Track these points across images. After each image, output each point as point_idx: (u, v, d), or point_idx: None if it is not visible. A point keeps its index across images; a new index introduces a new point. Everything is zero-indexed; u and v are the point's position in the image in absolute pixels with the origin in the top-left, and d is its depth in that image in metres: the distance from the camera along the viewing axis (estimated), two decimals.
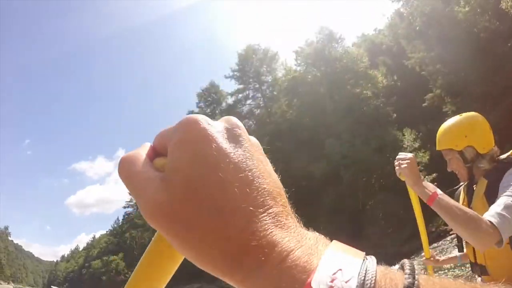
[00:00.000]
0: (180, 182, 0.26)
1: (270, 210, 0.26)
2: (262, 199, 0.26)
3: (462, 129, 1.89)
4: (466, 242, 1.89)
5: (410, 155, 1.65)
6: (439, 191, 1.55)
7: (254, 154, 0.29)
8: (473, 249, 1.92)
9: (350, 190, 25.08)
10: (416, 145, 24.01)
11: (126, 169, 0.29)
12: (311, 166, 27.34)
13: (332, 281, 0.21)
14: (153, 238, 0.33)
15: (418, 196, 1.70)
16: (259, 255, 0.24)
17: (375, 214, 24.48)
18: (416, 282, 0.22)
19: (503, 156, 1.88)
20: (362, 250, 0.25)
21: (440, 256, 2.45)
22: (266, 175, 0.28)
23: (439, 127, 1.99)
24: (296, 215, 0.29)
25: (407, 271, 0.23)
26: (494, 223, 1.47)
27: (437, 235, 18.36)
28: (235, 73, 38.36)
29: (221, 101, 43.87)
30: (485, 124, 1.92)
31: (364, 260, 0.23)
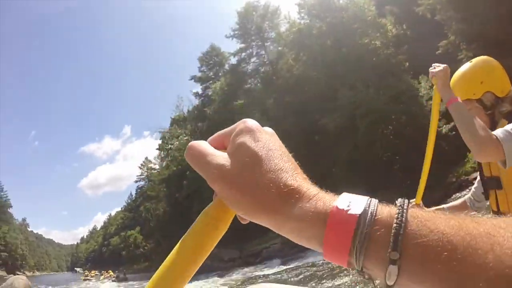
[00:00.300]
0: (240, 156, 0.39)
1: (299, 171, 0.39)
2: (293, 166, 0.39)
3: (477, 75, 1.82)
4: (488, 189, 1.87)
5: (445, 65, 1.70)
6: (459, 98, 1.62)
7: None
8: (496, 197, 1.82)
9: (366, 141, 24.12)
10: (433, 93, 22.59)
11: (197, 148, 0.42)
12: (323, 119, 26.27)
13: (348, 205, 0.33)
14: (210, 205, 0.43)
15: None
16: (296, 194, 0.36)
17: (392, 165, 23.64)
18: (404, 213, 0.31)
19: None
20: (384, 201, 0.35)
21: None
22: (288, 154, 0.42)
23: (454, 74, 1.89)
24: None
25: (398, 204, 0.33)
26: (499, 138, 1.47)
27: (458, 185, 17.48)
28: (236, 32, 36.65)
29: (224, 63, 42.62)
30: (498, 66, 1.83)
31: (369, 198, 0.35)
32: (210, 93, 40.06)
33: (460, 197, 2.40)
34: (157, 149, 41.30)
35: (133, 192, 77.13)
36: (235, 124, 0.44)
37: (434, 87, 1.74)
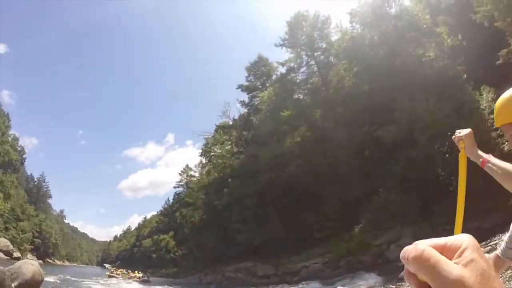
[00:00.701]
0: (476, 269, 0.42)
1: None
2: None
3: None
4: None
5: (467, 130, 1.82)
6: (489, 157, 1.72)
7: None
8: None
9: (423, 157, 22.18)
10: (494, 105, 20.31)
11: (434, 254, 0.44)
12: (378, 131, 24.57)
13: None
14: None
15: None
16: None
17: (450, 184, 21.40)
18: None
19: None
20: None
21: None
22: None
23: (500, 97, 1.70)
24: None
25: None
26: None
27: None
28: (285, 41, 35.66)
29: (271, 73, 41.87)
30: None
31: None
32: (256, 103, 39.38)
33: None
34: (199, 155, 40.91)
35: (171, 198, 77.44)
36: (455, 237, 0.46)
37: (461, 151, 1.74)
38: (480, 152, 1.74)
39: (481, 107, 21.42)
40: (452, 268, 0.42)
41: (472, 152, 1.71)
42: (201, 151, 40.39)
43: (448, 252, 0.44)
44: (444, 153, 22.22)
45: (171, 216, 71.04)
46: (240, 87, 42.08)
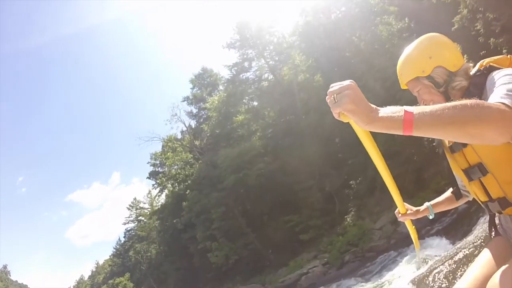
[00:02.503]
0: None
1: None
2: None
3: (424, 50, 1.50)
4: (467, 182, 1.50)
5: (346, 82, 0.99)
6: (408, 108, 0.96)
7: None
8: (483, 187, 1.42)
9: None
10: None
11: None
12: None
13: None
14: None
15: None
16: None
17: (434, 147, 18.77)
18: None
19: (473, 72, 1.47)
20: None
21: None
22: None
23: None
24: None
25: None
26: (509, 104, 1.01)
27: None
28: (234, 43, 32.28)
29: (217, 82, 38.41)
30: (447, 40, 1.55)
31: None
32: (204, 115, 35.47)
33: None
34: (147, 177, 34.85)
35: (122, 238, 68.94)
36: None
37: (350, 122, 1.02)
38: (384, 110, 0.97)
39: None
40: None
41: (370, 120, 0.95)
42: (148, 174, 34.52)
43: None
44: None
45: (125, 256, 62.95)
46: (186, 99, 37.80)
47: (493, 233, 1.59)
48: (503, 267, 1.22)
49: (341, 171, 20.97)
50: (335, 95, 0.98)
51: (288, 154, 22.36)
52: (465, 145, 1.40)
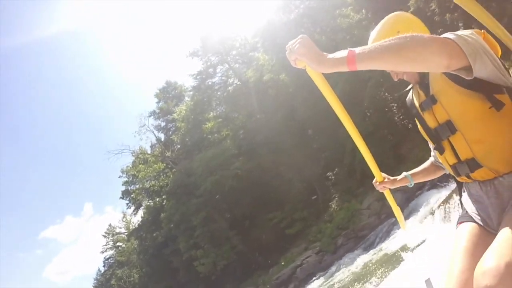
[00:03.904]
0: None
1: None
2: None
3: (391, 25, 1.50)
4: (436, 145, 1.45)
5: (299, 36, 1.12)
6: (352, 48, 1.05)
7: None
8: (452, 148, 1.38)
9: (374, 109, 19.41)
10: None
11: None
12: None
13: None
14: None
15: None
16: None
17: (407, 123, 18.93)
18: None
19: None
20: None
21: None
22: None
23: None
24: None
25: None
26: (454, 39, 1.09)
27: None
28: (196, 52, 31.59)
29: (182, 94, 37.47)
30: (412, 16, 1.57)
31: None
32: (172, 128, 34.34)
33: None
34: (120, 197, 32.87)
35: (101, 268, 65.25)
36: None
37: (306, 68, 1.16)
38: (332, 55, 1.06)
39: None
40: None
41: (319, 61, 1.07)
42: (121, 192, 32.58)
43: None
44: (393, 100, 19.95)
45: (107, 286, 59.68)
46: (153, 114, 36.43)
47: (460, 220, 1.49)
48: (488, 252, 1.08)
49: (318, 160, 20.56)
50: (291, 46, 1.11)
51: (263, 151, 21.78)
52: (434, 102, 1.36)
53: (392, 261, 8.17)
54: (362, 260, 11.32)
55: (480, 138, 1.29)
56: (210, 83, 30.48)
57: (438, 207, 7.73)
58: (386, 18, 1.54)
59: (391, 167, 14.75)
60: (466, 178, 1.41)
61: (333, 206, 17.31)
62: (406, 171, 1.91)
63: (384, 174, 1.87)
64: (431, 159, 1.82)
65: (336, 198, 17.49)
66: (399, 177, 1.89)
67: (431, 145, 1.60)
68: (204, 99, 29.60)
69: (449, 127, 1.34)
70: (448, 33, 1.16)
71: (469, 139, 1.31)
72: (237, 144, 23.98)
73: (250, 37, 29.02)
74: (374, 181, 1.90)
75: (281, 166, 20.61)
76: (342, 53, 1.03)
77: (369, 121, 18.69)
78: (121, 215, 47.03)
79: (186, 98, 36.58)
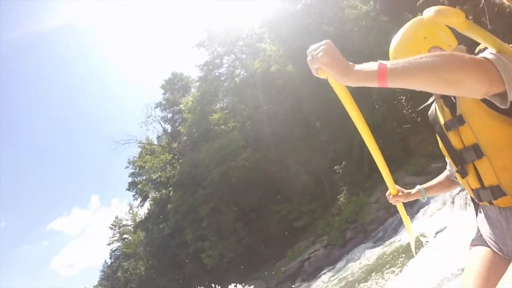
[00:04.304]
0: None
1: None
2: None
3: (417, 31, 1.39)
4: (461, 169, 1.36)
5: (323, 41, 0.99)
6: (383, 61, 0.94)
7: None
8: (476, 172, 1.30)
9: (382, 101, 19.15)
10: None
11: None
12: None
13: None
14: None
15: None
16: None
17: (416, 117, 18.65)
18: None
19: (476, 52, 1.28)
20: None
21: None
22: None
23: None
24: None
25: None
26: (492, 60, 0.99)
27: None
28: (202, 41, 31.35)
29: (189, 85, 37.33)
30: (436, 18, 1.25)
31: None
32: (178, 118, 34.28)
33: None
34: (127, 189, 32.98)
35: (108, 260, 66.07)
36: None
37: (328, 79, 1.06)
38: (360, 67, 0.95)
39: None
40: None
41: (345, 73, 0.95)
42: (127, 184, 32.66)
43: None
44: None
45: (113, 278, 60.31)
46: (159, 105, 36.42)
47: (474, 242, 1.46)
48: (506, 276, 1.04)
49: (326, 153, 20.36)
50: (313, 52, 1.00)
51: (270, 142, 21.63)
52: (461, 122, 1.28)
53: (410, 251, 8.11)
54: (372, 253, 11.17)
55: (508, 166, 1.23)
56: (217, 73, 30.38)
57: (458, 193, 7.61)
58: (410, 22, 1.44)
59: (399, 160, 14.57)
60: (486, 203, 1.35)
61: (341, 199, 17.19)
62: (415, 164, 1.84)
63: (398, 187, 1.81)
64: (446, 172, 1.77)
65: (344, 192, 17.35)
66: (413, 191, 1.84)
67: (450, 165, 1.58)
68: (211, 90, 29.50)
69: (476, 151, 1.27)
70: (487, 52, 1.07)
71: (496, 166, 1.24)
72: (244, 135, 23.87)
73: (256, 27, 28.75)
74: (387, 193, 1.85)
75: (288, 158, 20.45)
76: (372, 66, 0.93)
77: (378, 114, 18.44)
78: (127, 208, 47.49)
79: (193, 90, 36.55)
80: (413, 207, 10.93)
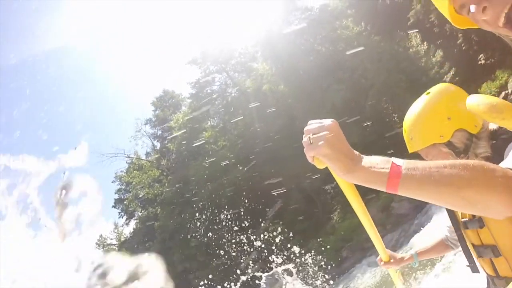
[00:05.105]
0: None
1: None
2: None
3: (440, 111, 1.22)
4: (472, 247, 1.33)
5: (327, 121, 0.78)
6: (397, 161, 0.74)
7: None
8: (492, 263, 1.27)
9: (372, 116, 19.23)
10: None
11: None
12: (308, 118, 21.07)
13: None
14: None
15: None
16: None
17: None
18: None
19: (494, 127, 1.22)
20: None
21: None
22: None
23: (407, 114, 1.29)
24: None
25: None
26: None
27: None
28: (194, 59, 31.36)
29: (180, 103, 37.20)
30: (462, 92, 1.25)
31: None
32: (168, 135, 33.88)
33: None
34: (113, 206, 31.99)
35: None
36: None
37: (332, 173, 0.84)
38: (368, 159, 0.76)
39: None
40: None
41: (349, 169, 0.75)
42: (114, 200, 31.68)
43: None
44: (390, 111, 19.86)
45: None
46: (149, 121, 35.98)
47: None
48: None
49: (318, 172, 20.14)
50: (311, 135, 0.77)
51: (262, 160, 21.35)
52: (481, 225, 1.20)
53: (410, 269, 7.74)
54: (374, 269, 10.79)
55: None
56: (208, 91, 30.31)
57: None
58: (429, 97, 1.25)
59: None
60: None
61: (334, 218, 16.84)
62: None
63: (390, 252, 1.71)
64: (442, 236, 1.74)
65: (338, 210, 17.02)
66: (406, 256, 1.78)
67: (449, 231, 1.60)
68: (202, 108, 29.36)
69: (494, 252, 1.23)
70: None
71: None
72: (236, 153, 23.56)
73: (250, 46, 28.99)
74: (378, 259, 1.76)
75: (281, 176, 20.18)
76: (383, 166, 0.73)
77: (371, 130, 18.44)
78: (112, 227, 46.02)
79: (183, 108, 36.38)
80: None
